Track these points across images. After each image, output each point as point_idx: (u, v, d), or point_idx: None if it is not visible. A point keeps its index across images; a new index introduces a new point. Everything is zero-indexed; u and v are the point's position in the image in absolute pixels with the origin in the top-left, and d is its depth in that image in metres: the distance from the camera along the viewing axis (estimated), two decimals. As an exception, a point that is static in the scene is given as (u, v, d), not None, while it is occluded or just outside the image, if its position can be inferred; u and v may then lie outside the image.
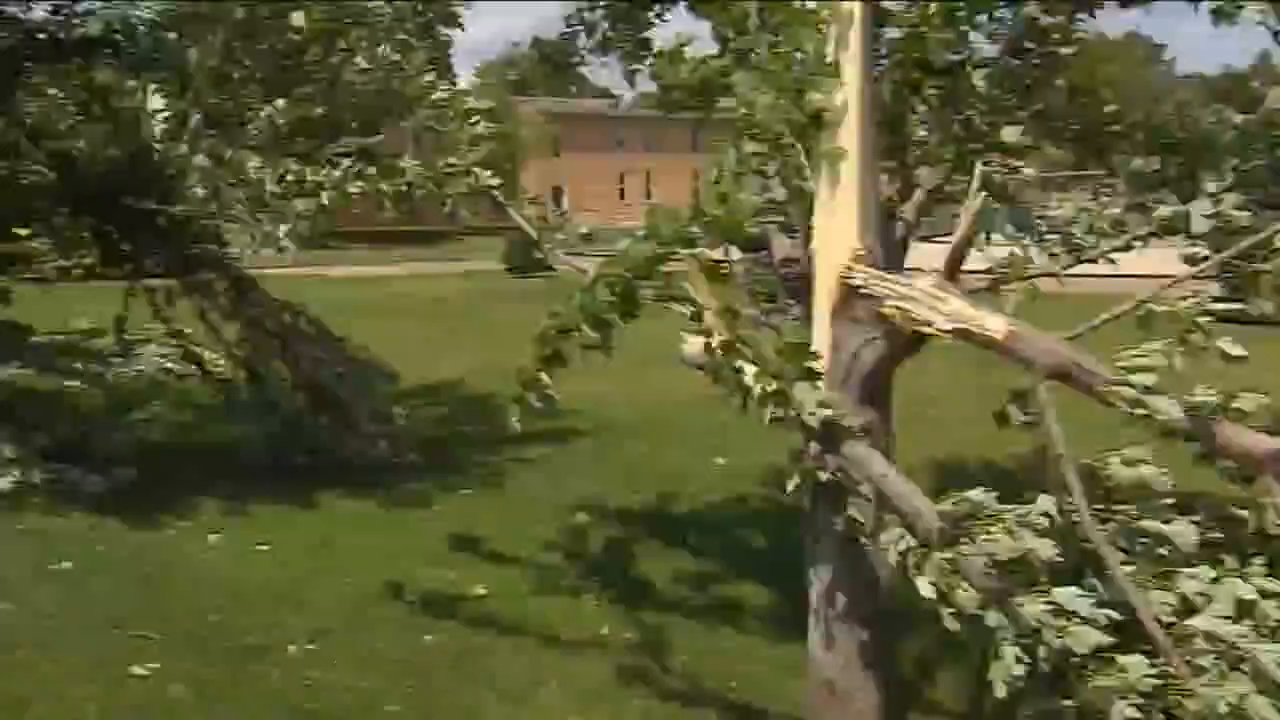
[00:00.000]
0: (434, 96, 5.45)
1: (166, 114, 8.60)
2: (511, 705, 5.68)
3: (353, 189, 5.78)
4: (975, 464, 9.05)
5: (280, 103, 7.64)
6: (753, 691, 5.73)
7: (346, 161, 5.82)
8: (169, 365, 9.92)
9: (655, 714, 5.58)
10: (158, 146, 8.71)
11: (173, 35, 8.77)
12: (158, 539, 8.21)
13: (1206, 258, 3.15)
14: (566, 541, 8.15)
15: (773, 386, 3.20)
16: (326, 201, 5.91)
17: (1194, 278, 3.06)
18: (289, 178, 6.22)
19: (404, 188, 5.53)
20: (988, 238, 3.87)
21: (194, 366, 10.29)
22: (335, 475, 9.35)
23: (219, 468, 9.87)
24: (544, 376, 3.88)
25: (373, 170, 5.71)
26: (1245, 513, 2.97)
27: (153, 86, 8.55)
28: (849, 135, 3.36)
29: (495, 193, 5.28)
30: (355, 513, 8.89)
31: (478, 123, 5.38)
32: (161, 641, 6.32)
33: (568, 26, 5.38)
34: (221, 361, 10.27)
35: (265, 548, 8.04)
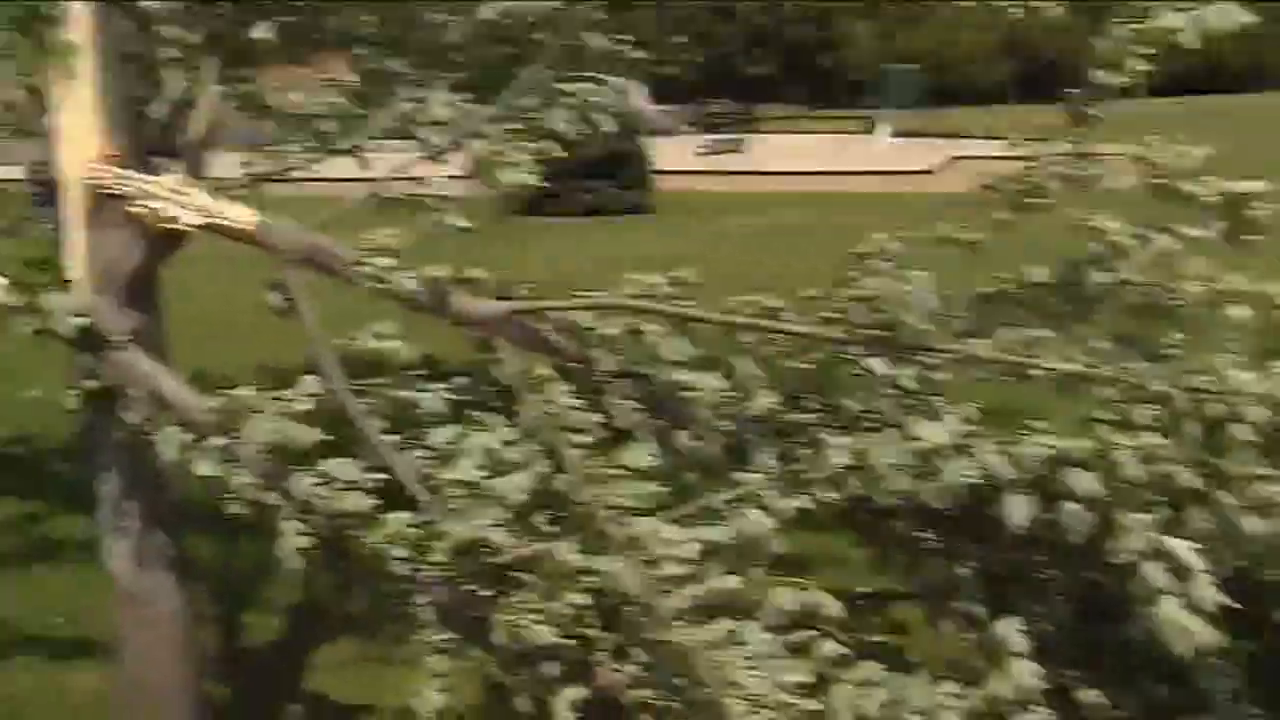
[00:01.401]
0: None
1: None
2: None
3: None
4: (280, 361, 9.15)
5: None
6: (94, 627, 5.49)
7: None
8: None
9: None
10: None
11: None
12: None
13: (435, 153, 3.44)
14: None
15: (22, 299, 3.09)
16: None
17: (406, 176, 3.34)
18: None
19: None
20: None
21: None
22: None
23: None
24: None
25: None
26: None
27: None
28: (83, 30, 3.24)
29: None
30: None
31: None
32: None
33: None
34: None
35: None
